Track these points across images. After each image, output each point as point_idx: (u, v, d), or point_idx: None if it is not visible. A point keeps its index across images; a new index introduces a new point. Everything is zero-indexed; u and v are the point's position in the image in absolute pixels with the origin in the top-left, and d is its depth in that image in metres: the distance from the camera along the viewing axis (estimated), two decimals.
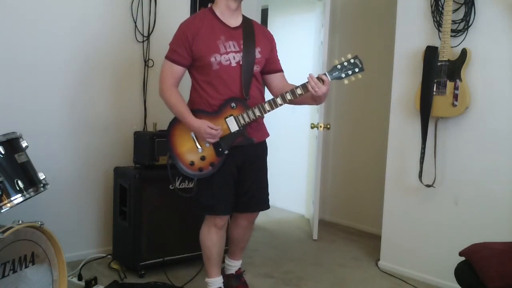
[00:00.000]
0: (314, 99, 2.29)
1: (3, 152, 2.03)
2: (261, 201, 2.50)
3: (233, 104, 2.27)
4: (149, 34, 3.31)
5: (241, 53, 2.28)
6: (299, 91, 2.23)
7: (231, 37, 2.29)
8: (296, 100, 2.28)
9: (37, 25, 2.85)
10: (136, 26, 3.26)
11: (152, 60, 3.33)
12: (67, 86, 3.01)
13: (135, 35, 3.26)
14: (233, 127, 2.27)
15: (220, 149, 2.28)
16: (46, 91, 2.92)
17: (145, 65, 3.32)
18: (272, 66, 2.46)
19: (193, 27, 2.28)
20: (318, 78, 2.21)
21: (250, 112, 2.26)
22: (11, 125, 2.32)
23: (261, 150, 2.48)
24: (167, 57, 2.32)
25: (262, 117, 2.35)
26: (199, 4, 3.52)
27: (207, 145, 2.28)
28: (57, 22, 2.93)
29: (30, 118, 2.84)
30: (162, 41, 3.35)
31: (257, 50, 2.33)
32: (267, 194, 2.52)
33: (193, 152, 2.30)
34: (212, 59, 2.24)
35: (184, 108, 2.29)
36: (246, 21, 2.38)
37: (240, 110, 2.27)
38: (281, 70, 2.51)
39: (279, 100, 2.26)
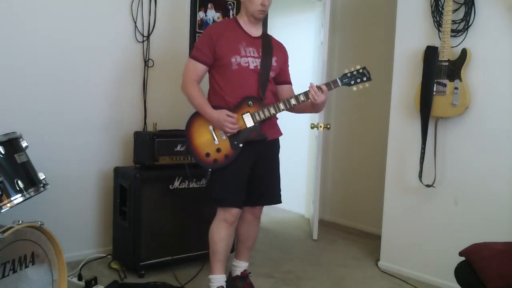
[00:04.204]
0: (313, 107, 2.48)
1: (3, 152, 2.04)
2: (273, 196, 2.61)
3: (250, 102, 2.42)
4: (149, 34, 3.31)
5: (260, 59, 2.46)
6: (301, 98, 2.42)
7: (252, 44, 2.47)
8: (298, 107, 2.47)
9: (37, 27, 2.85)
10: (136, 26, 3.26)
11: (152, 60, 3.33)
12: (66, 86, 3.00)
13: (135, 35, 3.26)
14: (249, 122, 2.41)
15: (236, 142, 2.40)
16: (46, 91, 2.92)
17: (145, 65, 3.32)
18: (283, 77, 2.63)
19: (218, 30, 2.48)
20: (318, 87, 2.38)
21: (265, 110, 2.41)
22: (11, 125, 2.33)
23: (274, 147, 2.60)
24: (192, 56, 2.47)
25: (276, 115, 2.48)
26: (199, 4, 3.53)
27: (224, 137, 2.41)
28: (57, 23, 2.93)
29: (30, 118, 2.84)
30: (162, 41, 3.36)
31: (274, 59, 2.52)
32: (279, 189, 2.63)
33: (209, 143, 2.42)
34: (233, 60, 2.41)
35: (204, 100, 2.43)
36: (265, 34, 2.59)
37: (256, 107, 2.42)
38: (290, 83, 2.68)
39: (293, 101, 2.42)
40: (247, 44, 2.46)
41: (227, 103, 2.42)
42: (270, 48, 2.51)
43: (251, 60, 2.44)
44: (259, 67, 2.45)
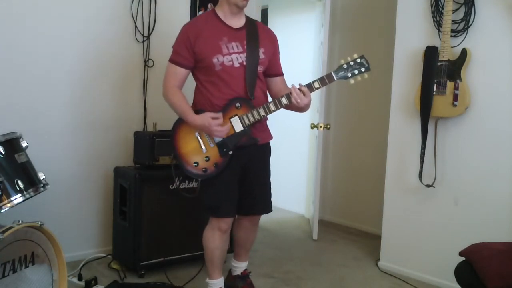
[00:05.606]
0: (298, 109, 2.34)
1: (3, 152, 2.04)
2: (264, 204, 2.48)
3: (237, 104, 2.26)
4: (149, 34, 3.31)
5: (245, 54, 2.27)
6: (284, 101, 2.25)
7: (234, 38, 2.28)
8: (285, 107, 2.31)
9: (37, 27, 2.85)
10: (136, 26, 3.26)
11: (152, 60, 3.33)
12: (66, 86, 3.01)
13: (135, 35, 3.26)
14: (238, 127, 2.26)
15: (225, 149, 2.26)
16: (46, 91, 2.92)
17: (145, 65, 3.32)
18: (273, 69, 2.45)
19: (195, 29, 2.28)
20: (300, 89, 2.23)
21: (255, 112, 2.25)
22: (11, 125, 2.33)
23: (265, 152, 2.47)
24: (171, 60, 2.32)
25: (267, 117, 2.34)
26: (199, 4, 3.53)
27: (211, 145, 2.28)
28: (57, 23, 2.93)
29: (30, 118, 2.84)
30: (162, 41, 3.36)
31: (261, 50, 2.32)
32: (270, 196, 2.51)
33: (197, 152, 2.29)
34: (215, 60, 2.23)
35: (186, 107, 2.28)
36: (250, 21, 2.38)
37: (244, 110, 2.26)
38: (281, 74, 2.51)
39: (284, 100, 2.26)
40: (229, 39, 2.25)
41: (213, 105, 2.26)
42: (256, 39, 2.30)
43: (235, 57, 2.24)
44: (245, 63, 2.26)
